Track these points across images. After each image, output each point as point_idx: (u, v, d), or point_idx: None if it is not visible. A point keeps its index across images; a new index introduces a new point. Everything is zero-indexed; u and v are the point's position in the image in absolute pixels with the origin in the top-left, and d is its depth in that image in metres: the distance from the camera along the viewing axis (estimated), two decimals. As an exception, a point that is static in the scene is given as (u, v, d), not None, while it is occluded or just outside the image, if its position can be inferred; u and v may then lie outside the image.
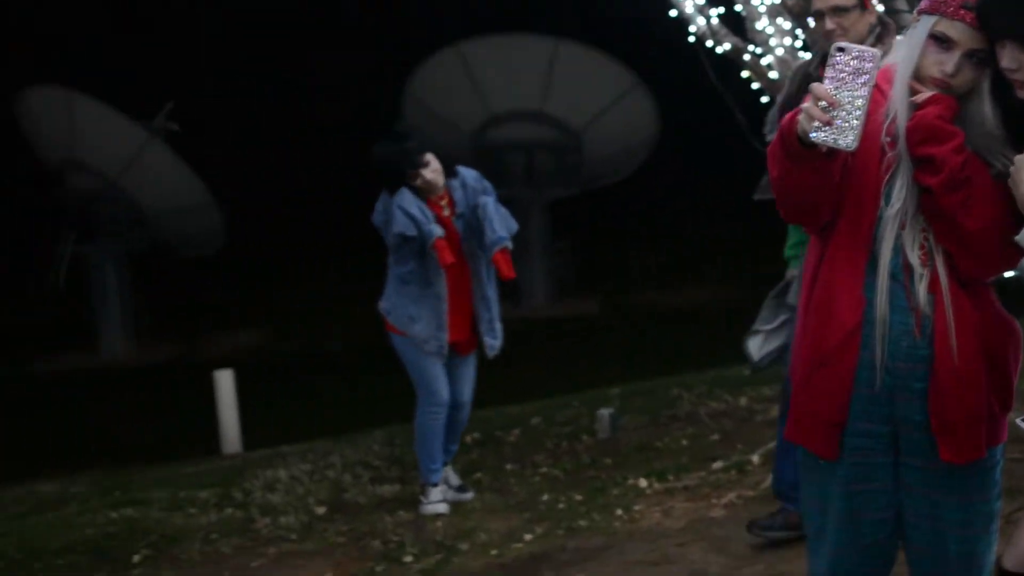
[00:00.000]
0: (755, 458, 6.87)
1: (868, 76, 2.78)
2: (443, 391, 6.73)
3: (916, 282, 2.95)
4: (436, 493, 6.78)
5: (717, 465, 6.93)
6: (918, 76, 2.93)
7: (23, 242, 26.27)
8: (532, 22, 24.30)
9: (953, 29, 2.87)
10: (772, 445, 6.28)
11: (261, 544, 6.57)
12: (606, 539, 5.93)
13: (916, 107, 2.92)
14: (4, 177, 27.76)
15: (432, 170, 6.56)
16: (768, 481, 6.00)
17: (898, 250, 2.96)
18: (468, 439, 8.35)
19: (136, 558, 6.58)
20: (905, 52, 2.96)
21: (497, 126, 24.30)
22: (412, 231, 6.43)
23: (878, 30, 4.83)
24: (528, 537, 6.10)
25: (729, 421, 8.15)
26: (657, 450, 7.64)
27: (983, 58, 2.88)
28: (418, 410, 6.78)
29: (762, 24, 7.31)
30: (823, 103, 2.77)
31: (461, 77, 24.01)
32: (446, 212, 6.63)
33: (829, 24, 4.80)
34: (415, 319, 6.62)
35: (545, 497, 6.81)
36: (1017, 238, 2.82)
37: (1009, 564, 3.38)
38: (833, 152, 2.83)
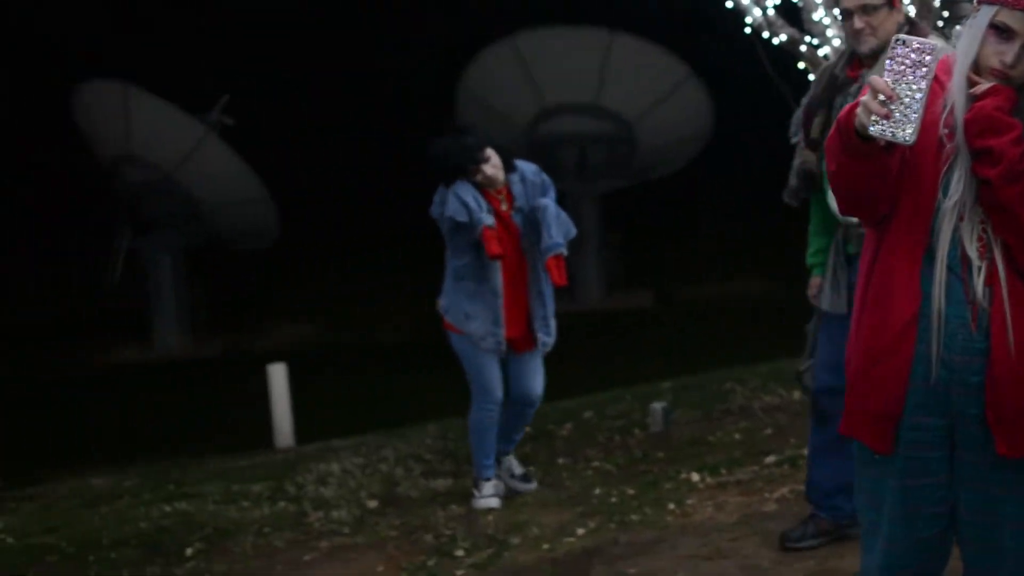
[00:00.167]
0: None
1: (927, 69, 2.74)
2: (498, 390, 6.72)
3: (974, 275, 2.92)
4: (488, 487, 6.76)
5: (770, 459, 6.88)
6: (977, 67, 2.90)
7: (79, 237, 26.53)
8: (587, 14, 24.25)
9: (1014, 19, 2.83)
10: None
11: (313, 538, 6.58)
12: (658, 533, 5.89)
13: (974, 98, 2.89)
14: (60, 171, 28.03)
15: (492, 165, 6.54)
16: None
17: (956, 243, 2.93)
18: (520, 433, 8.33)
19: (189, 551, 6.60)
20: (964, 42, 2.92)
21: (550, 119, 24.28)
22: (463, 216, 6.41)
23: (906, 29, 4.76)
24: (580, 531, 6.08)
25: (783, 415, 8.09)
26: (709, 444, 7.60)
27: (1044, 48, 2.84)
28: (472, 407, 6.77)
29: (819, 15, 7.27)
30: (881, 96, 2.73)
31: (515, 70, 24.03)
32: (504, 207, 6.61)
33: (857, 23, 4.74)
34: (471, 316, 6.61)
35: (597, 491, 6.78)
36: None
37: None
38: (891, 145, 2.80)
